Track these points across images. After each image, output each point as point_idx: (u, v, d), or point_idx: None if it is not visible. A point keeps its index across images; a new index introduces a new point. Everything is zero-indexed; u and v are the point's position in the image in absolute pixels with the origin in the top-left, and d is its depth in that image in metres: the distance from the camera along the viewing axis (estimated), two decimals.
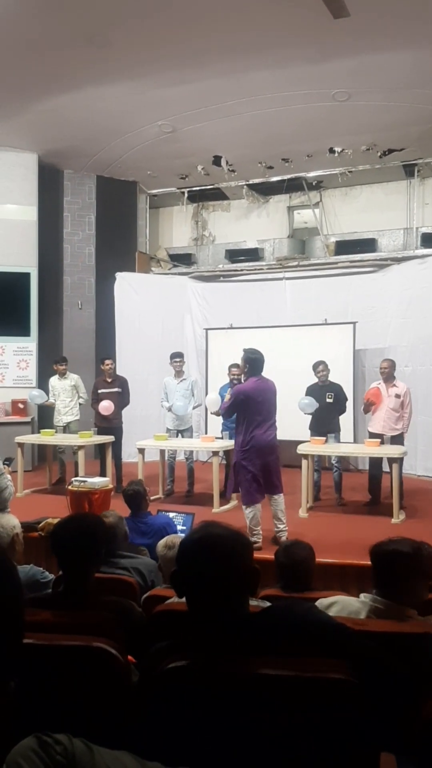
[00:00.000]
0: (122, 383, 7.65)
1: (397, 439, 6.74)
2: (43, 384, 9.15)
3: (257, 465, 5.25)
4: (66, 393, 7.91)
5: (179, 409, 7.28)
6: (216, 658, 1.30)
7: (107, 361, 7.69)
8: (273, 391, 5.43)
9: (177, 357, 7.56)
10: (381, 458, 6.65)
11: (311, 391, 7.06)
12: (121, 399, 7.58)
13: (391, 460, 6.25)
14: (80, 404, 8.00)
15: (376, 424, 6.83)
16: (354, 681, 1.25)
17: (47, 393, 7.95)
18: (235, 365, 7.16)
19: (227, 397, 5.69)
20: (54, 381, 7.99)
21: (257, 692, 1.26)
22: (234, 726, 1.24)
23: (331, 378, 7.14)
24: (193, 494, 7.22)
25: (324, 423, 6.93)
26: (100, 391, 7.56)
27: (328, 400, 6.95)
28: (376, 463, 6.79)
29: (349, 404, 7.31)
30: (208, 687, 1.28)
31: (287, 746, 1.22)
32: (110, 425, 7.50)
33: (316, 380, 7.13)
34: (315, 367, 7.11)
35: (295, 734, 1.23)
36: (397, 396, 6.71)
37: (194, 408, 7.62)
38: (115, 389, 7.56)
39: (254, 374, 5.36)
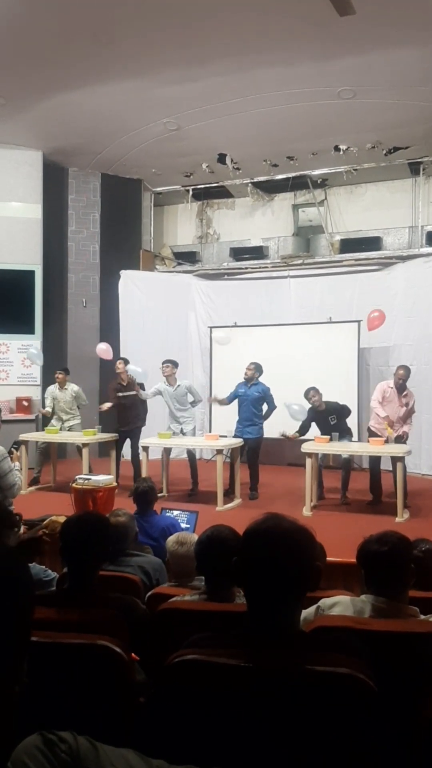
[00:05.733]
0: (134, 385, 7.57)
1: (400, 438, 6.74)
2: (46, 384, 9.17)
3: None
4: (67, 403, 7.88)
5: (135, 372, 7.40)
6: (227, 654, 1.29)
7: (118, 363, 7.58)
8: None
9: (165, 362, 7.40)
10: (380, 456, 6.65)
11: (313, 415, 6.95)
12: (141, 402, 7.53)
13: (395, 459, 6.25)
14: (83, 405, 7.99)
15: (382, 430, 6.84)
16: (360, 677, 1.24)
17: (45, 402, 7.90)
18: (254, 363, 7.19)
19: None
20: (54, 390, 7.91)
21: (263, 686, 1.26)
22: (239, 722, 1.24)
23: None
24: (197, 492, 7.22)
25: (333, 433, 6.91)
26: (119, 394, 7.49)
27: (332, 423, 6.88)
28: (376, 461, 6.79)
29: (354, 403, 7.30)
30: (215, 682, 1.28)
31: (292, 742, 1.22)
32: (129, 428, 7.50)
33: None
34: (306, 395, 6.91)
35: (300, 730, 1.23)
36: (407, 405, 6.73)
37: (193, 405, 7.60)
38: (132, 392, 7.50)
39: None
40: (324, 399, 6.91)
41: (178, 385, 7.41)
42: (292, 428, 6.93)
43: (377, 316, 7.05)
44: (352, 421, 7.64)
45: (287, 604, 1.36)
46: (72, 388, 7.93)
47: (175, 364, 7.45)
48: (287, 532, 1.38)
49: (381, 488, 6.76)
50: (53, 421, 7.91)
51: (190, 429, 7.50)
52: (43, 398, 7.96)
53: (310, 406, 6.93)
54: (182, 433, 7.46)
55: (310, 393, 6.90)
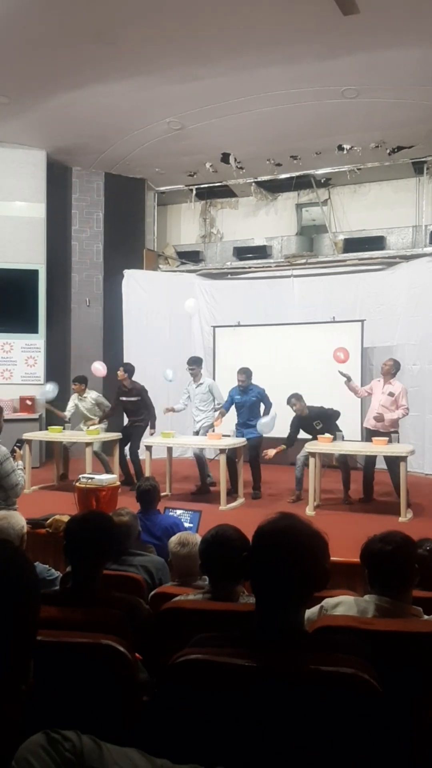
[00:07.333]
0: (139, 391, 7.58)
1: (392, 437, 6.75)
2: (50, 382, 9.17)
3: None
4: (89, 410, 7.92)
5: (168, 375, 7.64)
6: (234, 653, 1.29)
7: (119, 373, 7.65)
8: None
9: (190, 364, 7.54)
10: (375, 456, 6.65)
11: (298, 422, 6.94)
12: (145, 408, 7.56)
13: (398, 458, 6.24)
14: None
15: (368, 420, 6.89)
16: (364, 677, 1.24)
17: (67, 410, 7.91)
18: (243, 370, 7.17)
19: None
20: (77, 401, 7.94)
21: (267, 686, 1.26)
22: (243, 721, 1.24)
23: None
24: (207, 491, 7.20)
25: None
26: (121, 399, 7.62)
27: (317, 427, 6.85)
28: (370, 460, 6.79)
29: (356, 403, 7.28)
30: (219, 681, 1.28)
31: (296, 742, 1.22)
32: (130, 424, 7.61)
33: None
34: (288, 401, 6.88)
35: (304, 729, 1.22)
36: (391, 394, 6.71)
37: (216, 410, 7.62)
38: (133, 398, 7.56)
39: None
40: (313, 403, 6.89)
41: (201, 383, 7.52)
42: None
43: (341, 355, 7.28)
44: (354, 422, 7.63)
45: (295, 604, 1.36)
46: (91, 395, 7.96)
47: (198, 363, 7.59)
48: (303, 534, 1.38)
49: (372, 487, 6.78)
50: (80, 425, 7.98)
51: (206, 426, 7.52)
52: (65, 408, 8.00)
53: (294, 414, 6.90)
54: (198, 431, 7.48)
55: (292, 400, 6.87)
